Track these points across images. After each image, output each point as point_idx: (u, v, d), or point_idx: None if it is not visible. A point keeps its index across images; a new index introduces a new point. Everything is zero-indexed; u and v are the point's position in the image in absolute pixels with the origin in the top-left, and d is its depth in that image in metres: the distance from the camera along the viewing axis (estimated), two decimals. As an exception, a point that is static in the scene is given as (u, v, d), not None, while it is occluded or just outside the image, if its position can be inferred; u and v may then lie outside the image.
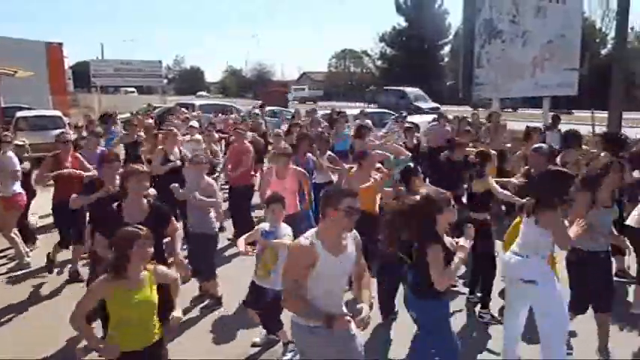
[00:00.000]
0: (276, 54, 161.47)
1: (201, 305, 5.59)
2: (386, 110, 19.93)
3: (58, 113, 17.26)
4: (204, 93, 67.75)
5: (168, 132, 7.63)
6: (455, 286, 5.73)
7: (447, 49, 55.89)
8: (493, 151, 7.02)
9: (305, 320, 3.04)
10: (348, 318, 2.98)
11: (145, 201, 4.00)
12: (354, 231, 3.17)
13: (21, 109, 18.25)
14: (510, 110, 28.24)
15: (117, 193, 4.28)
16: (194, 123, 10.36)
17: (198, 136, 9.11)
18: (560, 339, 3.90)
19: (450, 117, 13.21)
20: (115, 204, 3.97)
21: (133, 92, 47.30)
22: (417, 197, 3.71)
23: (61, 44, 30.75)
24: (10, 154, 6.94)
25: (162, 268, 3.44)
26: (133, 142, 8.95)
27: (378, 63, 60.46)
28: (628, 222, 5.25)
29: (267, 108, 21.84)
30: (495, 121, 10.49)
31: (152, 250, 3.20)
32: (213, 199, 5.48)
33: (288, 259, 3.15)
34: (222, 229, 7.95)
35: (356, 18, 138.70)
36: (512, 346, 4.19)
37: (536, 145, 5.69)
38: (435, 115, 12.42)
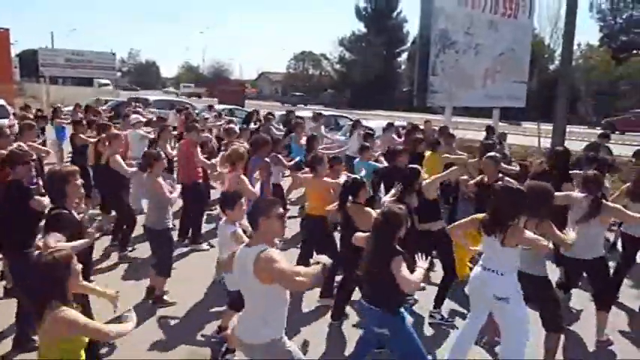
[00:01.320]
0: (235, 53, 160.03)
1: (146, 304, 5.51)
2: (343, 114, 20.14)
3: (1, 102, 16.47)
4: (171, 89, 65.90)
5: (116, 135, 7.40)
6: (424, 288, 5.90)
7: (404, 56, 56.96)
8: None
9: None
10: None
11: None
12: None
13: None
14: (463, 121, 29.04)
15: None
16: (135, 117, 10.27)
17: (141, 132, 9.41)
18: (519, 352, 3.97)
19: (404, 123, 13.49)
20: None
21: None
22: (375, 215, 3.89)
23: (7, 30, 29.41)
24: None
25: None
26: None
27: (337, 67, 60.92)
28: None
29: (223, 106, 21.65)
30: (445, 132, 10.78)
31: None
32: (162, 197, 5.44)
33: (281, 264, 3.04)
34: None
35: (317, 21, 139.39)
36: (463, 346, 4.30)
37: (490, 154, 6.13)
38: (388, 122, 12.67)
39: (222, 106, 22.22)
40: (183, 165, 7.62)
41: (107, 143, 7.17)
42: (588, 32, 71.76)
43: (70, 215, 3.88)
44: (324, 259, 3.31)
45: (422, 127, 12.87)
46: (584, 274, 5.18)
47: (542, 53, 36.97)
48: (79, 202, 4.20)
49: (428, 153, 8.08)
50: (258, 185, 5.96)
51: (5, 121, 14.48)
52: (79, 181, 4.03)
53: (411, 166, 5.77)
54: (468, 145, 13.71)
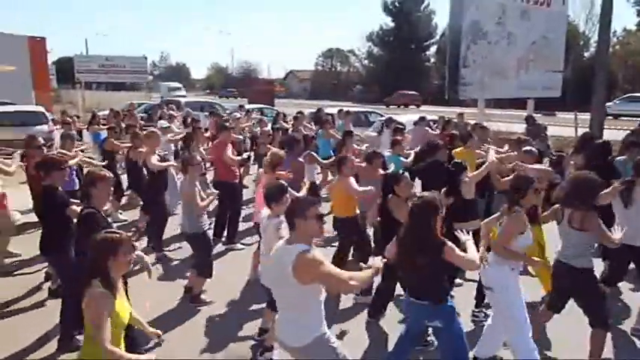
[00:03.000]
0: (263, 52, 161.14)
1: (184, 302, 5.58)
2: (374, 109, 19.98)
3: (41, 109, 16.99)
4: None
5: (152, 132, 7.59)
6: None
7: (433, 49, 56.27)
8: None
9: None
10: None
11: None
12: None
13: (3, 104, 17.96)
14: (497, 113, 28.58)
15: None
16: (164, 122, 10.36)
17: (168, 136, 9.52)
18: (520, 341, 3.92)
19: (436, 118, 13.28)
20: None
21: (179, 88, 45.06)
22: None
23: (43, 39, 30.27)
24: None
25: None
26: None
27: (365, 62, 60.65)
28: None
29: (253, 106, 21.80)
30: (479, 126, 10.56)
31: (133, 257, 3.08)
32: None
33: (322, 266, 2.99)
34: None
35: (344, 18, 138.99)
36: (489, 343, 4.29)
37: (527, 148, 6.21)
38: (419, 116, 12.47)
39: (252, 106, 22.40)
40: (218, 166, 7.69)
41: (135, 146, 7.38)
42: (625, 17, 69.30)
43: (98, 215, 4.00)
44: (377, 262, 3.29)
45: (455, 120, 12.64)
46: (632, 264, 5.01)
47: (576, 40, 35.97)
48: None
49: (460, 148, 7.87)
50: (303, 191, 5.92)
51: (45, 127, 14.98)
52: (108, 187, 4.10)
53: (455, 161, 5.74)
54: (504, 137, 13.40)
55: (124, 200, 9.26)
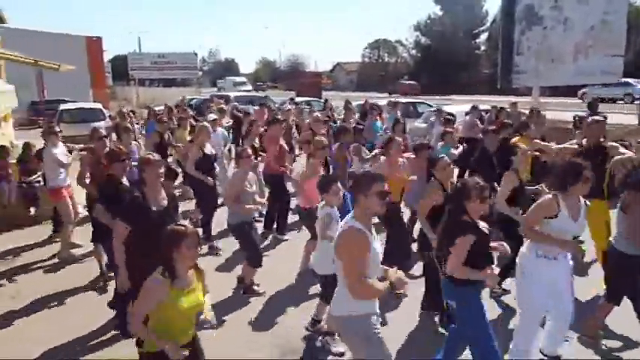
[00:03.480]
0: (310, 45, 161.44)
1: (237, 294, 5.68)
2: (423, 100, 19.64)
3: (99, 106, 17.71)
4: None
5: (201, 126, 7.74)
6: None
7: (483, 37, 54.71)
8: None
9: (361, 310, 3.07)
10: (403, 278, 3.13)
11: (163, 191, 4.16)
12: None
13: (64, 101, 18.84)
14: (552, 101, 27.46)
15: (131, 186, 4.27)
16: (213, 116, 10.45)
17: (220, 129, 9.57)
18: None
19: (488, 107, 12.90)
20: (137, 195, 4.07)
21: (244, 82, 45.31)
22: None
23: (100, 38, 31.48)
24: (54, 147, 7.08)
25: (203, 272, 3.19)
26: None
27: (413, 52, 59.68)
28: None
29: (301, 98, 21.95)
30: (536, 112, 10.19)
31: (199, 249, 3.04)
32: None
33: (351, 247, 2.99)
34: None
35: (391, 8, 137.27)
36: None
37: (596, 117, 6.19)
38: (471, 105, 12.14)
39: (300, 98, 22.57)
40: (269, 158, 7.77)
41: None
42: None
43: (139, 201, 4.01)
44: (400, 278, 3.12)
45: (508, 109, 12.24)
46: None
47: (638, 22, 34.00)
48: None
49: (516, 137, 7.61)
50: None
51: (103, 123, 15.60)
52: (156, 170, 4.08)
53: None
54: (560, 126, 12.87)
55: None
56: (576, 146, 5.87)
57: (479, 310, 3.53)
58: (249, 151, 5.78)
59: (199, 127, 7.72)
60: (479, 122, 10.93)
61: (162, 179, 4.14)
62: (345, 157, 7.15)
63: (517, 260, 4.04)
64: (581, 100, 23.54)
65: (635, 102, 23.42)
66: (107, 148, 5.88)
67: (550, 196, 3.90)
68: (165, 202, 4.12)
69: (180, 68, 38.52)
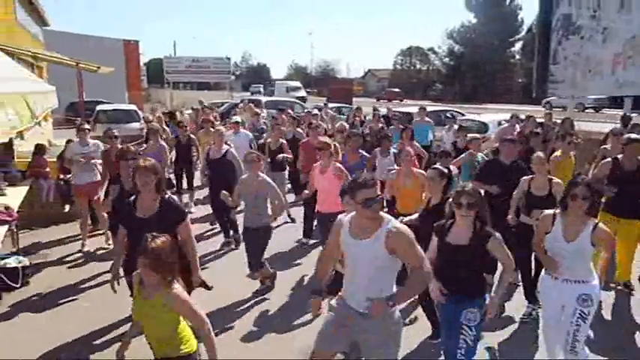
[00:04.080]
0: (342, 51, 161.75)
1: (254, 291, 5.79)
2: (453, 109, 19.43)
3: (134, 107, 18.11)
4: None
5: (217, 130, 7.92)
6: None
7: (518, 45, 53.85)
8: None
9: None
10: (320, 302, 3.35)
11: (156, 196, 3.90)
12: (394, 223, 3.10)
13: (100, 103, 19.34)
14: (592, 111, 26.88)
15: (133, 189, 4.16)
16: (237, 118, 10.54)
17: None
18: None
19: (523, 117, 12.66)
20: (132, 198, 4.04)
21: (299, 88, 42.73)
22: None
23: (137, 42, 32.25)
24: (78, 144, 7.36)
25: (185, 300, 2.99)
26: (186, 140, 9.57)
27: (445, 60, 59.16)
28: None
29: (332, 105, 21.96)
30: (567, 126, 9.97)
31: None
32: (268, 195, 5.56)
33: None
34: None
35: (423, 15, 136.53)
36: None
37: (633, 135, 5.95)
38: (508, 115, 11.92)
39: (330, 105, 22.56)
40: (306, 164, 7.83)
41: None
42: None
43: (127, 204, 4.04)
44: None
45: (541, 119, 11.99)
46: None
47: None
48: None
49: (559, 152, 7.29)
50: None
51: (137, 125, 15.96)
52: (145, 178, 3.86)
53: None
54: (595, 138, 12.53)
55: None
56: (610, 165, 5.66)
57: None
58: (254, 155, 5.73)
59: (213, 131, 8.00)
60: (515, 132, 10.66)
61: (152, 186, 3.87)
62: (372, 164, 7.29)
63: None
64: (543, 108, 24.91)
65: (586, 110, 26.57)
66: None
67: (551, 211, 3.83)
68: (153, 209, 3.88)
69: (213, 72, 38.97)
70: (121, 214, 4.20)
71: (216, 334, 4.61)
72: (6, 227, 5.76)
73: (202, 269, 6.18)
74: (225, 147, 7.58)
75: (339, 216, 3.36)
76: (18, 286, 5.87)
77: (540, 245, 3.86)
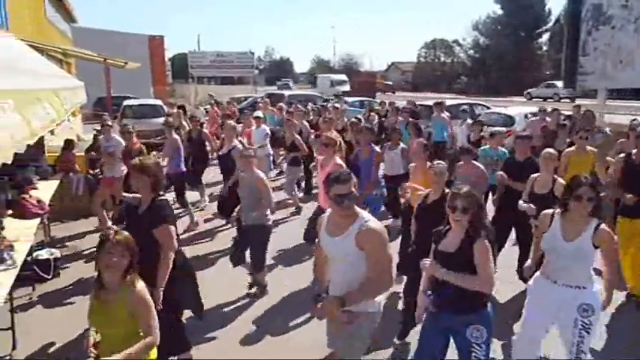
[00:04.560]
0: (366, 44, 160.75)
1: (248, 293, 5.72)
2: (480, 101, 19.17)
3: (159, 102, 18.34)
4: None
5: (228, 125, 7.99)
6: None
7: (545, 36, 52.70)
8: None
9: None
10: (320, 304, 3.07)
11: (149, 197, 3.79)
12: (369, 222, 3.04)
13: (127, 98, 19.63)
14: (620, 105, 26.31)
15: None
16: (259, 113, 10.47)
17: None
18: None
19: (549, 109, 12.41)
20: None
21: (345, 81, 42.04)
22: None
23: (162, 37, 32.61)
24: (104, 139, 7.56)
25: (143, 297, 2.88)
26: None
27: (470, 52, 58.32)
28: None
29: (353, 98, 21.91)
30: (587, 118, 9.71)
31: (123, 260, 2.80)
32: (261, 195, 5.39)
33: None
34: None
35: (448, 7, 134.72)
36: None
37: None
38: (535, 108, 11.67)
39: (352, 98, 22.53)
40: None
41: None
42: None
43: (127, 202, 4.09)
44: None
45: (570, 113, 11.75)
46: None
47: None
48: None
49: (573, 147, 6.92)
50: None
51: (161, 120, 16.14)
52: (139, 179, 3.80)
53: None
54: (623, 131, 12.22)
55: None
56: (622, 162, 5.40)
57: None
58: (249, 152, 5.64)
59: (226, 125, 8.13)
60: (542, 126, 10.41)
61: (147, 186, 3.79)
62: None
63: None
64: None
65: (562, 100, 30.82)
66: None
67: (550, 211, 3.69)
68: (144, 208, 3.81)
69: (237, 67, 39.26)
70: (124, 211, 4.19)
71: (214, 332, 4.78)
72: (39, 220, 5.89)
73: (209, 266, 6.35)
74: (234, 143, 7.59)
75: (322, 215, 3.37)
76: (50, 277, 6.03)
77: (537, 243, 3.79)
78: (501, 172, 5.74)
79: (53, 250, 6.36)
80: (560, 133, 8.61)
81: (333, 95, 19.41)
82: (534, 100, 33.68)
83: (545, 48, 52.93)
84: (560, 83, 34.19)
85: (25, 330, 4.73)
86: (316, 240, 3.49)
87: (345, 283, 3.08)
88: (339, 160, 5.84)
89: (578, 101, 18.92)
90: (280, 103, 14.47)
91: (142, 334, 2.84)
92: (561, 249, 3.50)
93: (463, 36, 59.76)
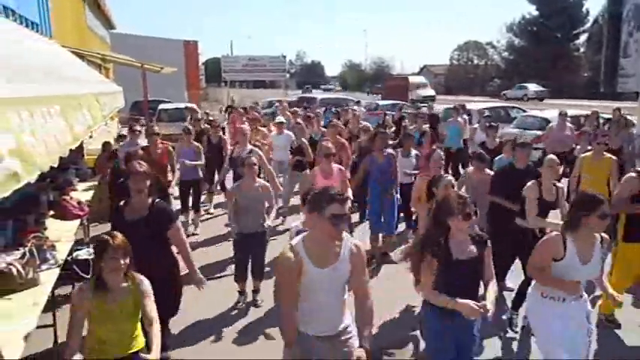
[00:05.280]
0: (397, 47, 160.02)
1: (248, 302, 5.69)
2: (514, 105, 18.85)
3: (193, 106, 18.67)
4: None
5: (240, 129, 7.96)
6: None
7: (583, 38, 51.34)
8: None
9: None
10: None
11: (147, 200, 3.89)
12: (353, 240, 2.88)
13: (162, 102, 20.06)
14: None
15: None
16: (281, 119, 10.19)
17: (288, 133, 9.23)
18: None
19: (584, 113, 12.08)
20: (122, 202, 4.01)
21: (425, 85, 40.51)
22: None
23: (196, 42, 33.17)
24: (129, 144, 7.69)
25: (148, 287, 3.04)
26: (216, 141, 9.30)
27: (504, 54, 57.33)
28: None
29: (384, 102, 21.74)
30: (618, 117, 9.38)
31: (125, 261, 2.91)
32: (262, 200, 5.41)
33: (276, 272, 3.01)
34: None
35: (481, 9, 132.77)
36: None
37: None
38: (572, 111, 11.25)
39: (383, 102, 22.41)
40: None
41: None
42: None
43: (117, 208, 4.07)
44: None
45: (610, 116, 11.38)
46: None
47: None
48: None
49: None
50: None
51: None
52: (138, 184, 3.92)
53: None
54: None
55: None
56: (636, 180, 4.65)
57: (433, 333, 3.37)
58: (253, 159, 5.57)
59: (237, 130, 8.28)
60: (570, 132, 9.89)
61: (144, 191, 3.88)
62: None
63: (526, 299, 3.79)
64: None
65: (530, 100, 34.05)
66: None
67: (556, 234, 3.45)
68: (142, 213, 3.87)
69: (269, 71, 39.65)
70: (113, 218, 4.14)
71: (212, 335, 4.84)
72: (78, 221, 6.06)
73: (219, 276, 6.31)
74: (249, 147, 7.47)
75: (287, 244, 2.85)
76: (88, 277, 6.17)
77: (545, 271, 3.44)
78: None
79: (92, 250, 6.49)
80: (580, 138, 8.33)
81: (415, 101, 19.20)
82: (509, 101, 31.68)
83: (582, 49, 51.59)
84: (532, 86, 40.24)
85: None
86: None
87: (337, 316, 2.87)
88: (338, 166, 6.09)
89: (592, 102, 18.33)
90: (294, 108, 14.48)
91: (136, 333, 3.03)
92: (576, 272, 3.35)
93: (497, 38, 58.82)
